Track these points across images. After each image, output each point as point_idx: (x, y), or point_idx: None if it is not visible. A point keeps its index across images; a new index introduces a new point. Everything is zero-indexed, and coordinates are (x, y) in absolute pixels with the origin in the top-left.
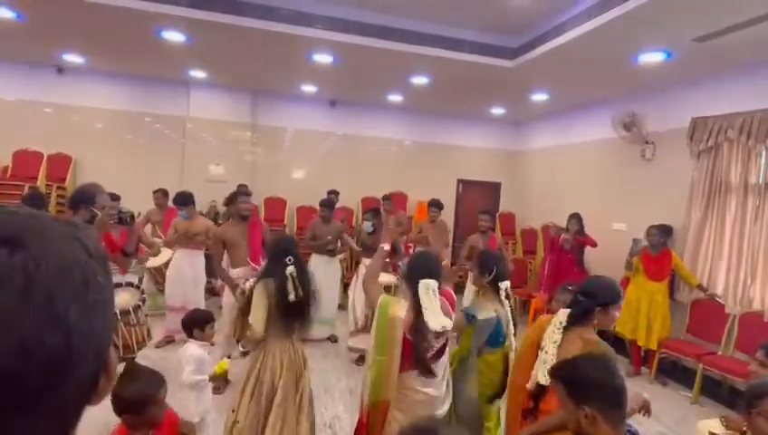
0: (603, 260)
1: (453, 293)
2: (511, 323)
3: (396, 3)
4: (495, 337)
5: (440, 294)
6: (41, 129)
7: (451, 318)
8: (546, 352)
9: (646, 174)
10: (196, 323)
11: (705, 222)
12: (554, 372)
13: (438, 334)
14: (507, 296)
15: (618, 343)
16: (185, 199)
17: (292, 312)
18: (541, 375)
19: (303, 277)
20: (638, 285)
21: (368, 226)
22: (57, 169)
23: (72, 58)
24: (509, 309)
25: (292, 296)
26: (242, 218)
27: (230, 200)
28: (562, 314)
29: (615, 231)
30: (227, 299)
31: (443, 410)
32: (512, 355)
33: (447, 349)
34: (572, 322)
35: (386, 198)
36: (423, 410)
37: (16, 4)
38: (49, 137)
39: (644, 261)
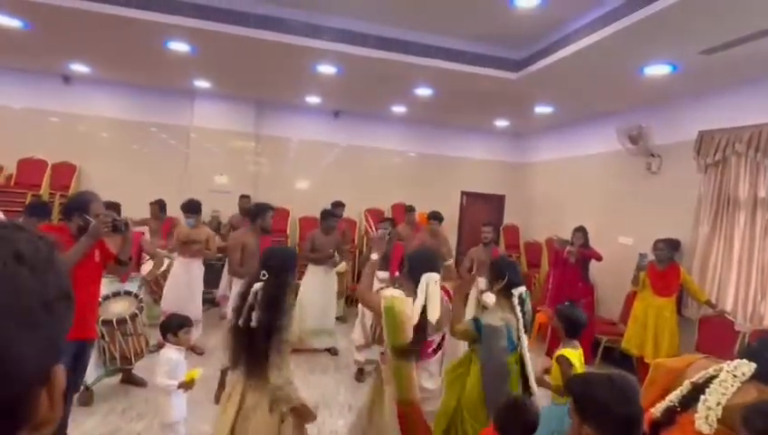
0: (608, 274)
1: (449, 290)
2: (522, 330)
3: (400, 15)
4: (509, 345)
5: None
6: (46, 137)
7: (448, 313)
8: (712, 399)
9: (652, 187)
10: (171, 328)
11: (714, 237)
12: (568, 382)
13: (433, 326)
14: (522, 302)
15: (625, 359)
16: (193, 207)
17: (239, 343)
18: (703, 423)
19: (270, 300)
20: (645, 301)
21: (383, 234)
22: (61, 177)
23: (79, 67)
24: (522, 315)
25: (240, 320)
26: (263, 232)
27: (256, 212)
28: (746, 366)
29: (621, 245)
30: (231, 309)
31: (435, 406)
32: (526, 356)
33: (444, 345)
34: (755, 377)
35: (410, 209)
36: (427, 403)
37: (24, 12)
38: (54, 145)
39: (651, 276)
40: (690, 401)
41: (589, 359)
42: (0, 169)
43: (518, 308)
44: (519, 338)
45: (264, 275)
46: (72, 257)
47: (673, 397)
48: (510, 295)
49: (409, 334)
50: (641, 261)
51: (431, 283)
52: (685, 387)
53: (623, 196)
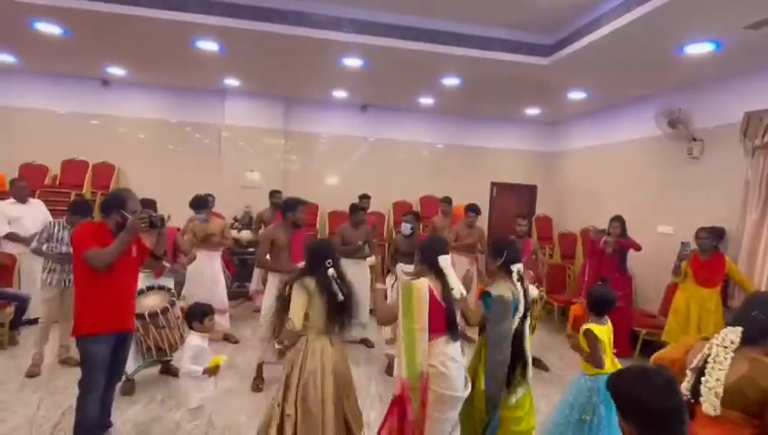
0: (648, 264)
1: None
2: (522, 302)
3: (425, 3)
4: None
5: None
6: (87, 139)
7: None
8: (711, 378)
9: (693, 173)
10: (196, 316)
11: (763, 224)
12: (607, 381)
13: (458, 301)
14: (520, 278)
15: None
16: (201, 203)
17: (334, 312)
18: (708, 405)
19: (342, 280)
20: (688, 292)
21: (406, 227)
22: (101, 177)
23: (116, 71)
24: (522, 290)
25: (340, 296)
26: (294, 226)
27: (288, 206)
28: (732, 333)
29: (660, 234)
30: (267, 304)
31: (465, 392)
32: (526, 331)
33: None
34: (744, 342)
35: (446, 200)
36: (457, 379)
37: (63, 19)
38: (94, 147)
39: (693, 266)
40: (698, 387)
41: (627, 351)
42: (46, 170)
43: (518, 283)
44: (525, 308)
45: (329, 263)
46: (113, 253)
47: (683, 389)
48: (510, 272)
49: (423, 305)
50: (683, 250)
51: (446, 264)
52: (689, 376)
53: (662, 183)
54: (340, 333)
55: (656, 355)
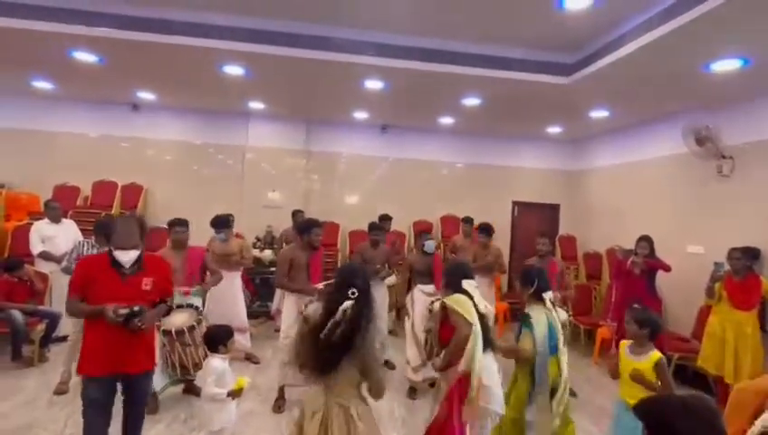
0: (677, 286)
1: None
2: (559, 328)
3: (443, 25)
4: (550, 341)
5: None
6: (117, 161)
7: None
8: None
9: (724, 192)
10: (221, 340)
11: None
12: (637, 407)
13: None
14: (552, 304)
15: (700, 379)
16: (222, 222)
17: (328, 356)
18: None
19: (358, 318)
20: (723, 315)
21: (430, 245)
22: (130, 197)
23: (145, 95)
24: (555, 316)
25: (322, 332)
26: (311, 247)
27: (303, 228)
28: None
29: (690, 254)
30: (285, 325)
31: (500, 410)
32: (563, 359)
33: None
34: None
35: (467, 220)
36: (499, 395)
37: (99, 48)
38: (123, 168)
39: (728, 287)
40: None
41: None
42: (78, 191)
43: (553, 310)
44: (558, 337)
45: (353, 294)
46: (83, 313)
47: (766, 421)
48: (542, 299)
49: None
50: (717, 271)
51: (472, 286)
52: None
53: (691, 201)
54: (337, 383)
55: (741, 385)
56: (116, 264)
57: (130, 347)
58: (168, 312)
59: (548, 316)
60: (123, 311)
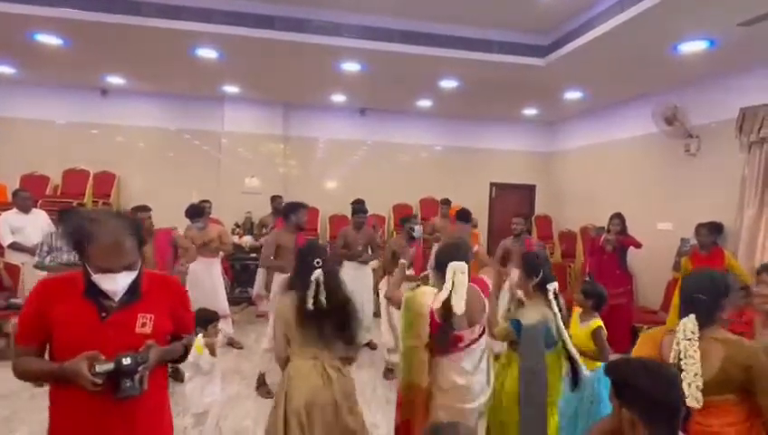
0: (647, 261)
1: (487, 281)
2: (561, 324)
3: (421, 7)
4: (547, 340)
5: (471, 280)
6: (87, 148)
7: (484, 306)
8: (689, 374)
9: (691, 170)
10: (202, 324)
11: (761, 219)
12: (608, 366)
13: (463, 319)
14: (556, 297)
15: None
16: (197, 211)
17: (315, 325)
18: (691, 399)
19: (332, 284)
20: None
21: (419, 230)
22: (102, 186)
23: (115, 80)
24: (559, 310)
25: (309, 304)
26: (297, 229)
27: (290, 210)
28: (689, 323)
29: (660, 231)
30: (272, 300)
31: (480, 401)
32: (572, 350)
33: (483, 339)
34: (702, 327)
35: (445, 202)
36: (458, 398)
37: (63, 31)
38: (95, 156)
39: (693, 261)
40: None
41: (627, 347)
42: (47, 180)
43: (554, 303)
44: (559, 332)
45: (318, 263)
46: (35, 376)
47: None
48: (545, 291)
49: (424, 332)
50: (683, 246)
51: (458, 272)
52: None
53: (660, 180)
54: (340, 352)
55: (633, 352)
56: (94, 293)
57: (126, 430)
58: (185, 355)
59: (546, 317)
60: (104, 367)
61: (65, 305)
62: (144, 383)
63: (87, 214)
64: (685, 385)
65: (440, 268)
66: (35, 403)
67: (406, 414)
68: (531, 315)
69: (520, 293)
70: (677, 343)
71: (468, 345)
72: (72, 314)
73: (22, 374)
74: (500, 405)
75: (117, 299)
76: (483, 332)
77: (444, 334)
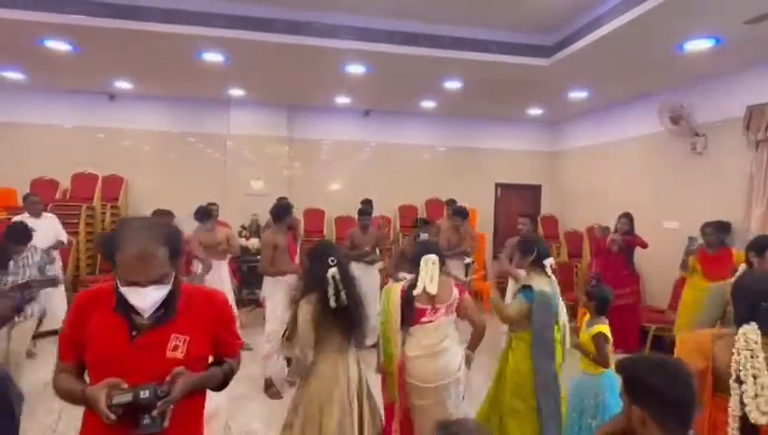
0: (655, 261)
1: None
2: (559, 297)
3: (425, 9)
4: (551, 310)
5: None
6: (95, 153)
7: (451, 293)
8: (757, 387)
9: (698, 168)
10: None
11: None
12: (617, 365)
13: (429, 299)
14: (554, 272)
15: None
16: (204, 213)
17: (339, 321)
18: (758, 415)
19: (347, 280)
20: (695, 287)
21: (424, 238)
22: (111, 189)
23: (122, 84)
24: (556, 284)
25: (332, 302)
26: (288, 228)
27: (282, 213)
28: (751, 333)
29: (667, 230)
30: (270, 327)
31: (448, 379)
32: (566, 326)
33: (443, 320)
34: (764, 336)
35: (450, 202)
36: (423, 377)
37: (72, 36)
38: (103, 160)
39: (701, 261)
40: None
41: (636, 347)
42: (57, 184)
43: (553, 278)
44: (557, 306)
45: (332, 261)
46: (67, 399)
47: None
48: (543, 266)
49: (396, 312)
50: (690, 245)
51: (429, 262)
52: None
53: (667, 179)
54: (353, 344)
55: (683, 336)
56: (124, 308)
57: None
58: (224, 383)
59: (550, 286)
60: (122, 399)
61: (99, 319)
62: (165, 420)
63: (125, 222)
64: (748, 400)
65: (417, 262)
66: (45, 404)
67: (389, 398)
68: (538, 283)
69: (522, 272)
70: (738, 353)
71: (430, 321)
72: (103, 331)
73: (58, 392)
74: (503, 393)
75: (146, 316)
76: (446, 315)
77: (407, 306)
